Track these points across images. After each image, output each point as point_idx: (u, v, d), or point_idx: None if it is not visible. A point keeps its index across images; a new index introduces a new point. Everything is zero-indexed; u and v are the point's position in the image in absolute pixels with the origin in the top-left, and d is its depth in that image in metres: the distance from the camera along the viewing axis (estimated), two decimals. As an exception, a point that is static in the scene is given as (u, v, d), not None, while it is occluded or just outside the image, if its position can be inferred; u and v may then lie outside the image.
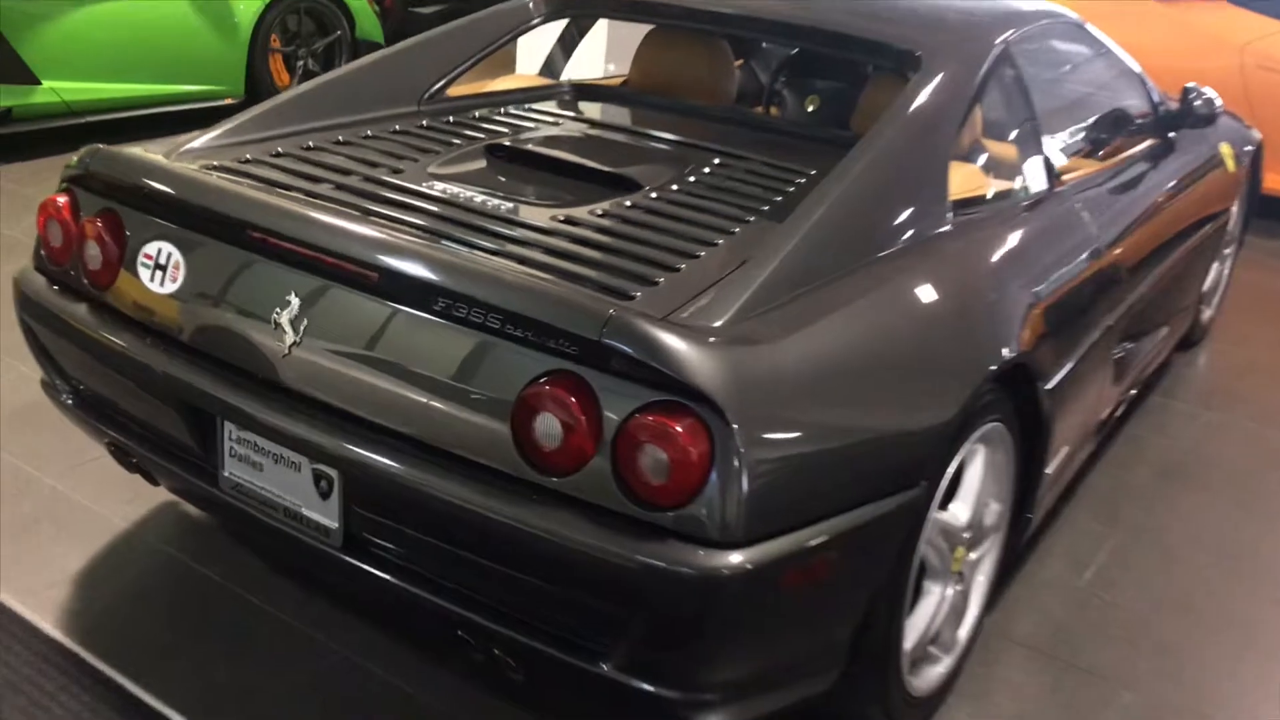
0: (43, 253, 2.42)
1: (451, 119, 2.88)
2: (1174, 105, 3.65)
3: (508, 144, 2.68)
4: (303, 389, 2.05)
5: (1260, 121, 4.89)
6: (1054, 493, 2.79)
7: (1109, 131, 3.31)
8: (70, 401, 2.47)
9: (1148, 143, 3.51)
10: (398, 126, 2.77)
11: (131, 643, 2.45)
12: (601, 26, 3.83)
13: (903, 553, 2.03)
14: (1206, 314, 4.43)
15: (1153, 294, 3.27)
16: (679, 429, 1.70)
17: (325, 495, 2.06)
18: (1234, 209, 4.30)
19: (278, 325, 2.05)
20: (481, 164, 2.60)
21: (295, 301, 2.04)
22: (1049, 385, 2.41)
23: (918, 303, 2.15)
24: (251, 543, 2.74)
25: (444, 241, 2.08)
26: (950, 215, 2.38)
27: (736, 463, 1.70)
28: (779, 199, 2.45)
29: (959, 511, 2.26)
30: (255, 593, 2.61)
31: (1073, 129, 3.16)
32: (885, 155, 2.31)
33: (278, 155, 2.49)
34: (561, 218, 2.24)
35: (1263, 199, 4.94)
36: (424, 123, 2.83)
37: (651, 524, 1.74)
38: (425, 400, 1.91)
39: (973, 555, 2.38)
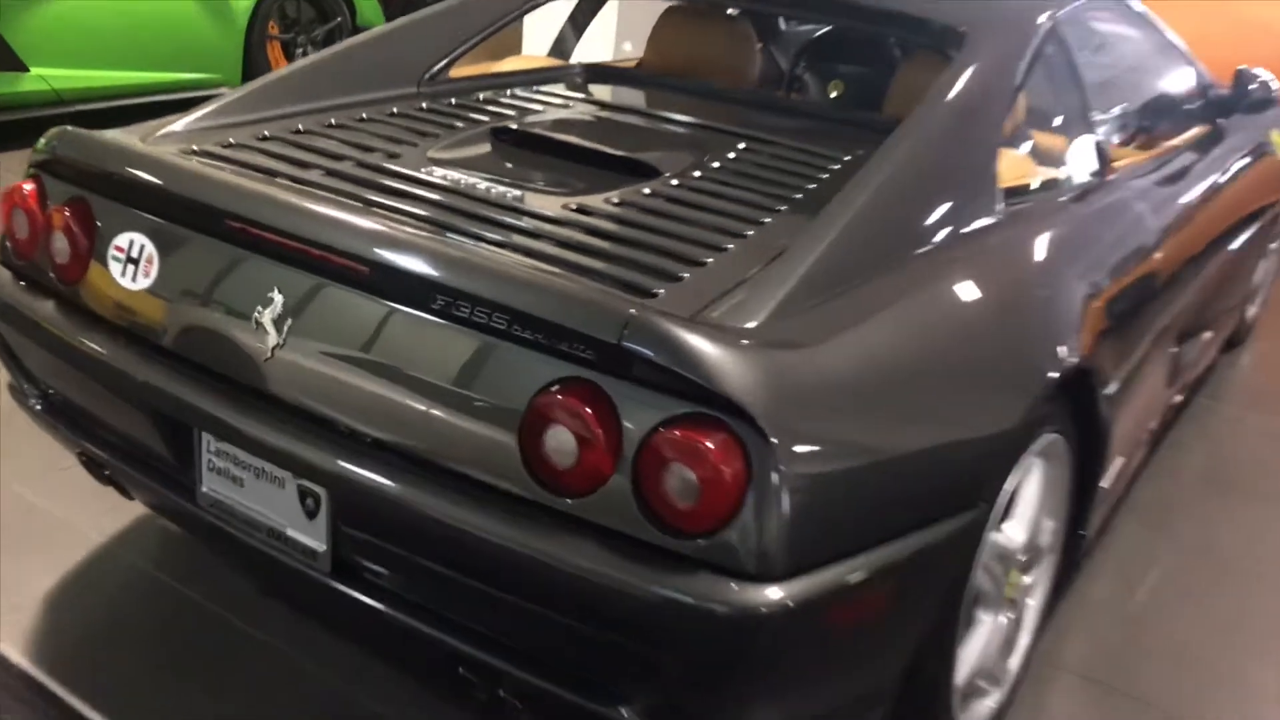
0: (8, 245, 2.21)
1: (454, 101, 2.67)
2: (1223, 90, 3.43)
3: (514, 127, 2.47)
4: (286, 396, 1.84)
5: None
6: (1108, 508, 2.57)
7: (1158, 116, 3.09)
8: (38, 407, 2.26)
9: (1197, 129, 3.29)
10: (395, 109, 2.56)
11: (105, 672, 2.25)
12: (612, 5, 3.59)
13: (957, 582, 1.82)
14: (1251, 311, 4.21)
15: (1204, 290, 3.06)
16: (710, 445, 1.49)
17: (312, 515, 1.86)
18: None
19: (259, 325, 1.84)
20: (486, 148, 2.39)
21: (278, 299, 1.83)
22: (1107, 391, 2.20)
23: (972, 302, 1.93)
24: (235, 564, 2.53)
25: (444, 232, 1.87)
26: (1000, 205, 2.16)
27: (775, 483, 1.49)
28: (812, 186, 2.24)
29: (1014, 532, 2.04)
30: (241, 615, 2.40)
31: (1122, 113, 2.95)
32: (931, 139, 2.10)
33: (264, 139, 2.29)
34: (574, 206, 2.03)
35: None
36: (424, 105, 2.62)
37: (678, 553, 1.53)
38: (422, 410, 1.70)
39: (1027, 579, 2.16)
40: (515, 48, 4.36)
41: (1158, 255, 2.60)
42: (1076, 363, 2.01)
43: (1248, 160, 3.48)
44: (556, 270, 1.75)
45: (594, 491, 1.57)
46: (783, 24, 4.12)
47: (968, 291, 1.94)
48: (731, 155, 2.38)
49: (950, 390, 1.79)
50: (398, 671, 2.26)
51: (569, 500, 1.59)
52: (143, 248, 2.01)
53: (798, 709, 1.68)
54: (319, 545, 1.85)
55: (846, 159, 2.41)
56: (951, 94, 2.20)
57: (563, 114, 2.68)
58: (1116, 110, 2.92)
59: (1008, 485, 1.90)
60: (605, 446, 1.55)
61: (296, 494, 1.86)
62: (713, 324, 1.61)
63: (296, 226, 1.81)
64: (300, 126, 2.37)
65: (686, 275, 1.79)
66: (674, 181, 2.20)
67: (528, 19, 3.61)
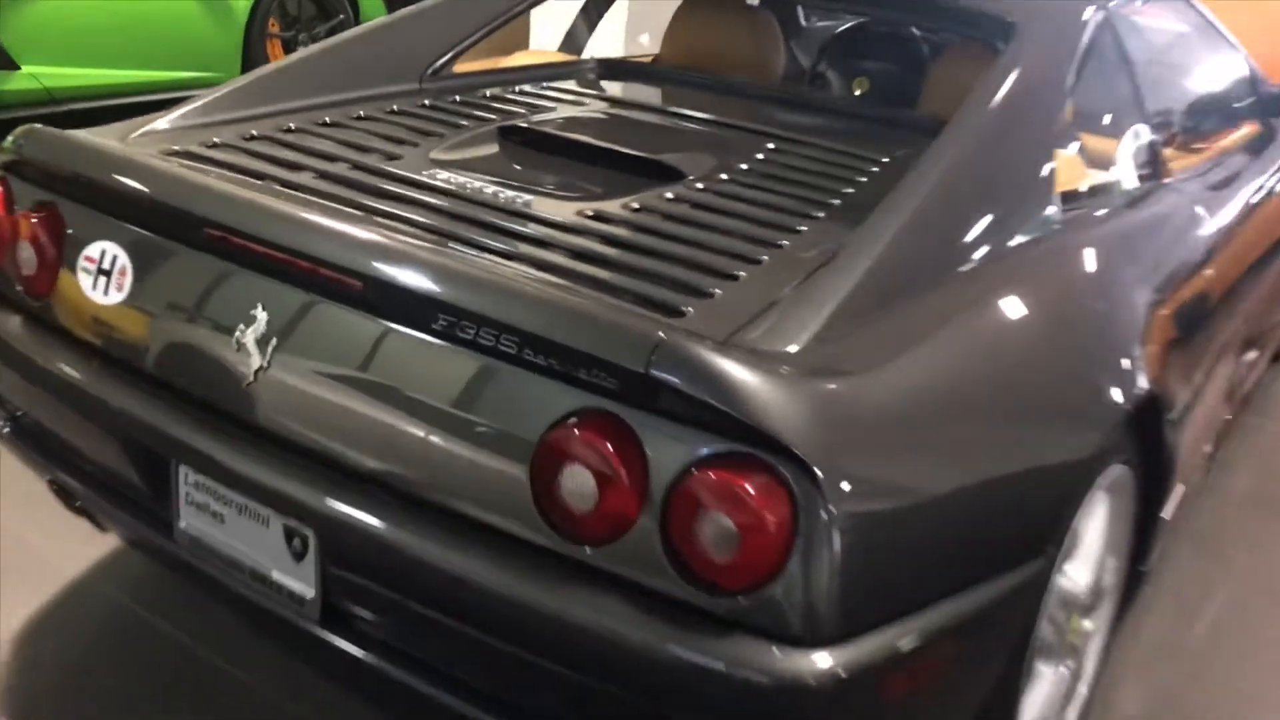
0: (-29, 255, 2.02)
1: (458, 98, 2.48)
2: (1274, 88, 3.23)
3: (524, 126, 2.28)
4: (270, 425, 1.65)
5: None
6: (1167, 539, 2.38)
7: (1210, 114, 2.89)
8: (6, 430, 2.07)
9: (1248, 128, 3.09)
10: (395, 106, 2.37)
11: (77, 715, 2.05)
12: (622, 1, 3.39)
13: (1023, 637, 1.62)
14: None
15: (1261, 300, 2.86)
16: (751, 489, 1.30)
17: (299, 557, 1.67)
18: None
19: (241, 346, 1.65)
20: (493, 149, 2.20)
21: (262, 317, 1.64)
22: (1172, 415, 2.00)
23: (1035, 321, 1.74)
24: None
25: (447, 242, 1.68)
26: (1057, 212, 1.97)
27: (826, 532, 1.30)
28: (850, 191, 2.05)
29: (1078, 574, 1.85)
30: (226, 657, 2.21)
31: (1175, 110, 2.75)
32: (983, 140, 1.90)
33: (251, 139, 2.10)
34: (589, 213, 1.84)
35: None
36: (426, 102, 2.43)
37: (713, 612, 1.34)
38: (422, 443, 1.51)
39: (1088, 624, 1.96)
40: (522, 43, 4.15)
41: (1217, 265, 2.41)
42: (1148, 388, 1.81)
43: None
44: (572, 285, 1.56)
45: (616, 539, 1.38)
46: (804, 19, 3.93)
47: (1030, 309, 1.74)
48: (760, 156, 2.19)
49: (1016, 421, 1.60)
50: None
51: (587, 548, 1.40)
52: (115, 258, 1.82)
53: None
54: (307, 590, 1.66)
55: (885, 161, 2.22)
56: (1003, 90, 2.00)
57: (576, 112, 2.49)
58: (1169, 107, 2.73)
59: (1075, 526, 1.71)
60: (629, 488, 1.36)
61: (282, 533, 1.67)
62: (751, 349, 1.41)
63: (282, 235, 1.62)
64: (291, 125, 2.18)
65: (718, 291, 1.60)
66: (699, 185, 2.01)
67: (535, 13, 3.43)
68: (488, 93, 2.54)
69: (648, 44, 2.92)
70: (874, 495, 1.36)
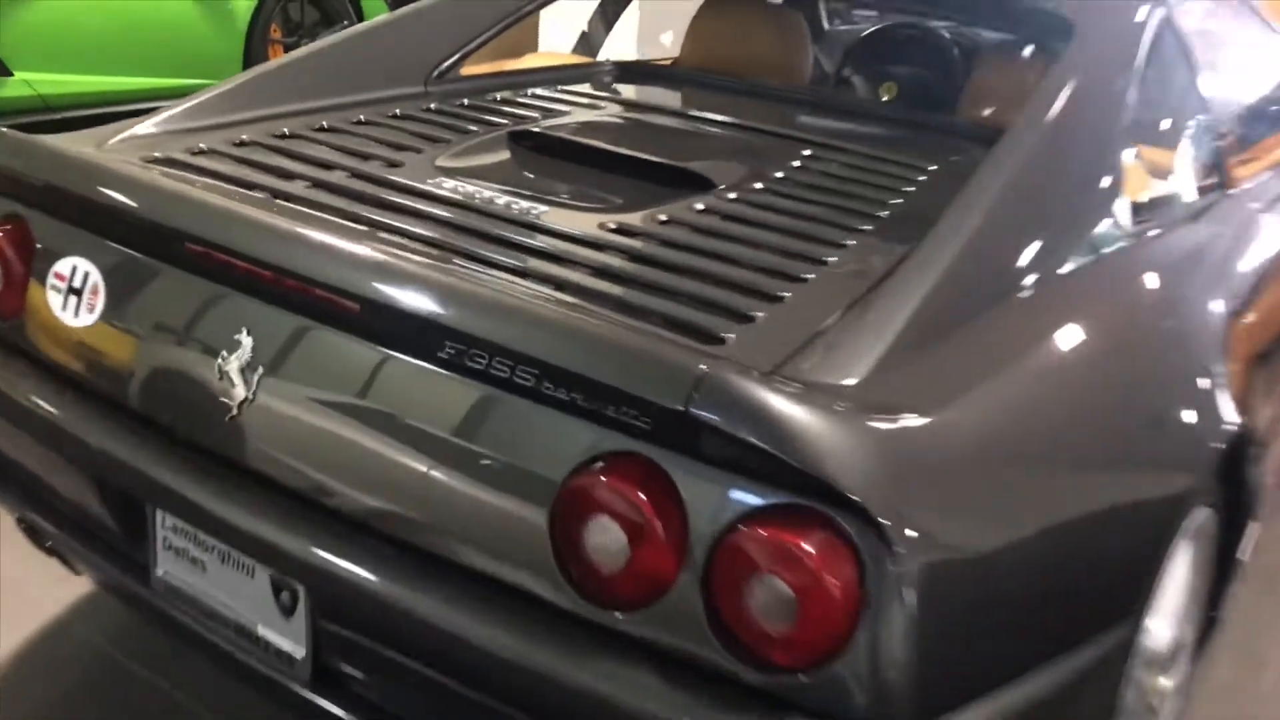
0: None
1: (466, 102, 2.30)
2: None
3: (537, 131, 2.09)
4: (255, 464, 1.47)
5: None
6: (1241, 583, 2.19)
7: (1273, 119, 2.70)
8: (-28, 463, 1.89)
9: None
10: (398, 110, 2.19)
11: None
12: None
13: (1107, 707, 1.43)
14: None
15: None
16: (810, 548, 1.12)
17: (288, 612, 1.48)
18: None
19: (223, 374, 1.47)
20: (504, 156, 2.02)
21: (247, 342, 1.46)
22: (1257, 448, 1.81)
23: (1115, 349, 1.55)
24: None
25: (454, 259, 1.49)
26: (1129, 227, 1.78)
27: (899, 597, 1.12)
28: (897, 202, 1.86)
29: (1161, 630, 1.65)
30: (209, 705, 2.03)
31: (1239, 115, 2.56)
32: (1048, 148, 1.71)
33: (241, 144, 1.91)
34: (612, 226, 1.66)
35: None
36: (431, 106, 2.25)
37: (766, 691, 1.15)
38: (426, 487, 1.33)
39: (1168, 681, 1.77)
40: (531, 45, 3.96)
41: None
42: (1237, 421, 1.62)
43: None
44: (595, 308, 1.38)
45: (651, 604, 1.20)
46: (826, 22, 3.76)
47: (1107, 335, 1.56)
48: (796, 164, 2.01)
49: (1100, 463, 1.41)
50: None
51: (617, 614, 1.22)
52: (87, 276, 1.64)
53: None
54: (297, 649, 1.48)
55: (932, 169, 2.04)
56: (1065, 96, 1.80)
57: (593, 116, 2.31)
58: (1231, 111, 2.54)
59: (1162, 579, 1.52)
60: (665, 544, 1.18)
61: (269, 586, 1.49)
62: (805, 382, 1.22)
63: (269, 251, 1.44)
64: (285, 130, 2.00)
65: (760, 314, 1.41)
66: (731, 195, 1.82)
67: (545, 14, 3.25)
68: (498, 96, 2.36)
69: (670, 44, 2.74)
70: (950, 552, 1.18)
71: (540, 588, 1.26)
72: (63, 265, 1.67)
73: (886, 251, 1.62)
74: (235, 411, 1.46)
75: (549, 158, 2.01)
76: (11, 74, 5.00)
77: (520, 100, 2.35)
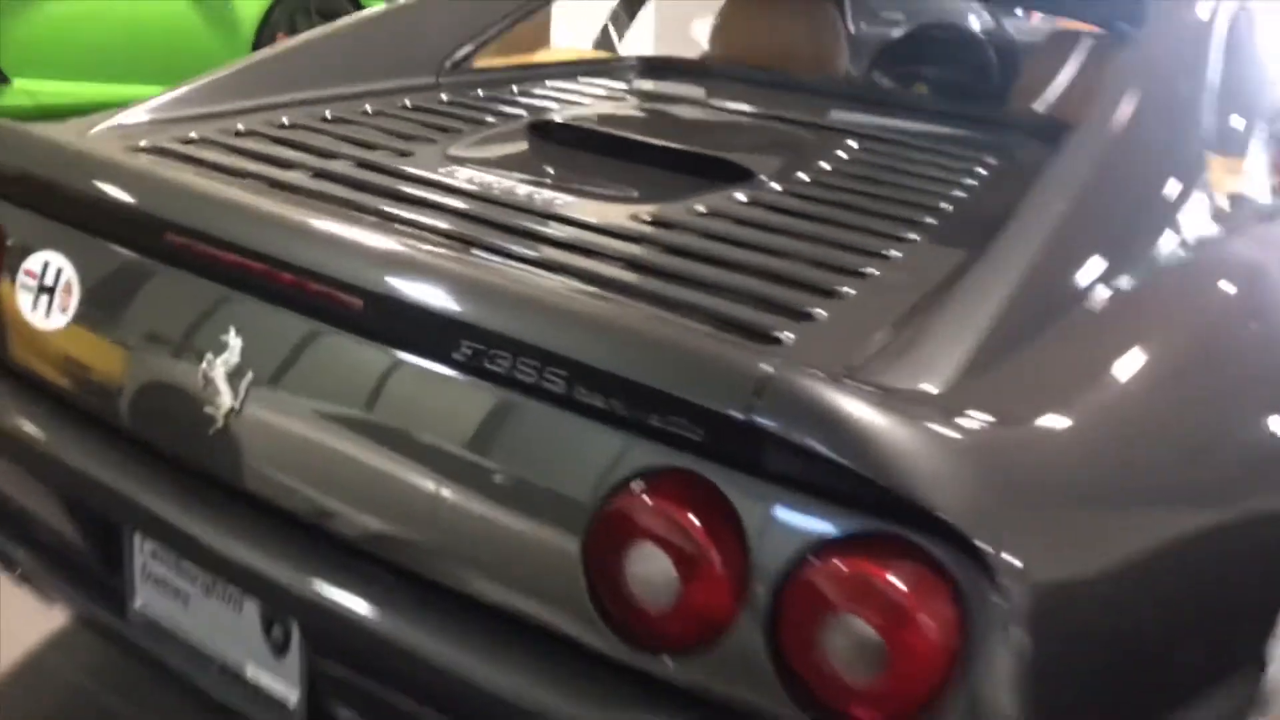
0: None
1: (481, 93, 2.13)
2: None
3: (559, 121, 1.92)
4: (244, 482, 1.29)
5: None
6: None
7: None
8: (-63, 481, 1.71)
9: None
10: (408, 101, 2.02)
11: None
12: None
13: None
14: None
15: None
16: (900, 583, 0.94)
17: (280, 650, 1.30)
18: None
19: (208, 381, 1.29)
20: (522, 146, 1.85)
21: (235, 344, 1.29)
22: None
23: (1226, 354, 1.37)
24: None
25: (470, 251, 1.32)
26: (1216, 221, 1.60)
27: (1008, 641, 0.93)
28: (960, 195, 1.69)
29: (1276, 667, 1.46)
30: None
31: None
32: (1127, 140, 1.53)
33: (238, 134, 1.74)
34: (645, 217, 1.48)
35: None
36: (443, 97, 2.08)
37: (845, 754, 0.97)
38: (438, 509, 1.15)
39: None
40: (543, 44, 3.76)
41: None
42: None
43: None
44: (634, 304, 1.20)
45: (704, 649, 1.01)
46: (853, 25, 3.60)
47: (1216, 331, 1.37)
48: (843, 156, 1.83)
49: (1220, 475, 1.23)
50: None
51: (666, 658, 1.03)
52: (60, 272, 1.47)
53: None
54: (289, 693, 1.30)
55: (991, 163, 1.87)
56: (1144, 85, 1.62)
57: (617, 108, 2.14)
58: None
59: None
60: (723, 579, 1.00)
61: (259, 621, 1.32)
62: (886, 389, 1.04)
63: (259, 240, 1.27)
64: (286, 120, 1.83)
65: (820, 312, 1.23)
66: (774, 186, 1.65)
67: (556, 15, 3.09)
68: (515, 88, 2.19)
69: (701, 35, 2.58)
70: (1063, 584, 0.99)
71: (571, 627, 1.08)
72: (33, 261, 1.50)
73: (955, 247, 1.45)
74: (221, 423, 1.28)
75: (571, 149, 1.84)
76: (10, 81, 4.87)
77: (539, 92, 2.18)
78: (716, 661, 1.00)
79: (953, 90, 3.07)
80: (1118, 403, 1.19)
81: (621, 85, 2.35)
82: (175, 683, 1.44)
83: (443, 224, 1.39)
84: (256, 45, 5.71)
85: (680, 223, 1.47)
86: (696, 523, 1.01)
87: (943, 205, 1.62)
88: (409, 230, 1.36)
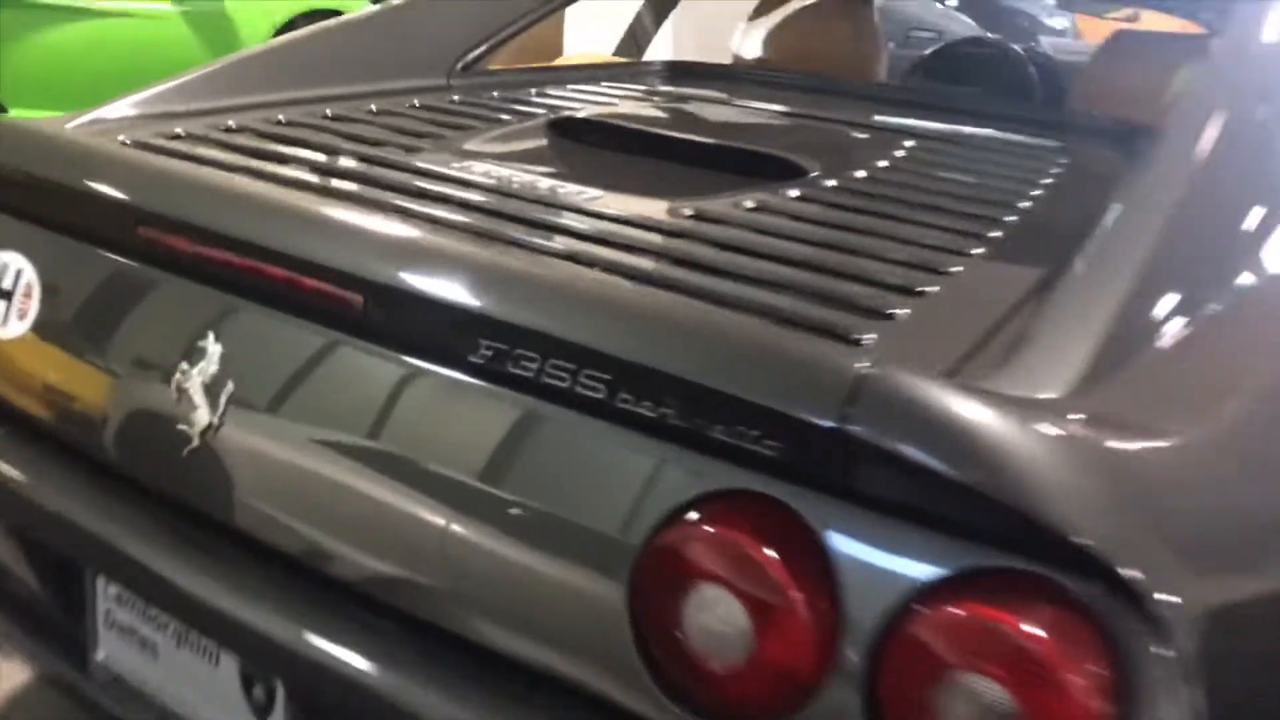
0: None
1: (496, 95, 1.95)
2: None
3: (581, 118, 1.74)
4: (223, 514, 1.10)
5: None
6: None
7: None
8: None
9: None
10: (417, 101, 1.84)
11: None
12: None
13: None
14: None
15: None
16: (1038, 631, 0.74)
17: (263, 712, 1.11)
18: None
19: (182, 394, 1.11)
20: (543, 142, 1.66)
21: (213, 351, 1.10)
22: None
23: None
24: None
25: (490, 243, 1.13)
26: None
27: (1177, 699, 0.73)
28: (1036, 194, 1.50)
29: None
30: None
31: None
32: (1234, 135, 1.35)
33: (229, 130, 1.56)
34: (687, 212, 1.30)
35: None
36: (456, 98, 1.90)
37: None
38: (451, 546, 0.96)
39: None
40: (555, 53, 3.58)
41: None
42: None
43: None
44: (684, 297, 1.01)
45: (784, 716, 0.81)
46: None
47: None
48: (900, 154, 1.65)
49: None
50: None
51: (732, 728, 0.83)
52: (19, 274, 1.29)
53: None
54: (274, 764, 1.10)
55: (1065, 161, 1.68)
56: (1233, 82, 1.45)
57: (645, 107, 1.97)
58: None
59: None
60: (807, 628, 0.80)
61: (238, 677, 1.12)
62: (1005, 395, 0.85)
63: (242, 228, 1.08)
64: (282, 118, 1.65)
65: (901, 311, 1.04)
66: (829, 182, 1.46)
67: (570, 23, 2.93)
68: (534, 90, 2.02)
69: (744, 39, 2.40)
70: (1237, 627, 0.79)
71: (614, 688, 0.88)
72: (-11, 263, 1.31)
73: (1040, 248, 1.26)
74: (197, 442, 1.09)
75: (597, 146, 1.66)
76: (6, 111, 4.73)
77: (560, 93, 2.01)
78: (799, 734, 0.81)
79: (998, 96, 2.91)
80: (1254, 410, 1.00)
81: (648, 87, 2.17)
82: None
83: (458, 216, 1.21)
84: (260, 76, 5.58)
85: (728, 219, 1.29)
86: (773, 557, 0.81)
87: (1020, 204, 1.44)
88: (417, 221, 1.17)
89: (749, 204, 1.34)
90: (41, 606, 1.31)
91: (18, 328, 1.27)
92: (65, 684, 1.34)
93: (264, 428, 1.08)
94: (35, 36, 4.80)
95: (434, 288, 0.97)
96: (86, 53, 5.01)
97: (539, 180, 1.38)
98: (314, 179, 1.32)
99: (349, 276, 1.01)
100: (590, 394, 0.89)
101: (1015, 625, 0.74)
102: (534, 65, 2.26)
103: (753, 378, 0.82)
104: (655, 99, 2.04)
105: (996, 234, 1.30)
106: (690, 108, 2.02)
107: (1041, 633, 0.74)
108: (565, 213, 1.25)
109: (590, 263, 1.09)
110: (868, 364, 0.79)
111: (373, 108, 1.77)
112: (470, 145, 1.55)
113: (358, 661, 0.99)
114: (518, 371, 0.92)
